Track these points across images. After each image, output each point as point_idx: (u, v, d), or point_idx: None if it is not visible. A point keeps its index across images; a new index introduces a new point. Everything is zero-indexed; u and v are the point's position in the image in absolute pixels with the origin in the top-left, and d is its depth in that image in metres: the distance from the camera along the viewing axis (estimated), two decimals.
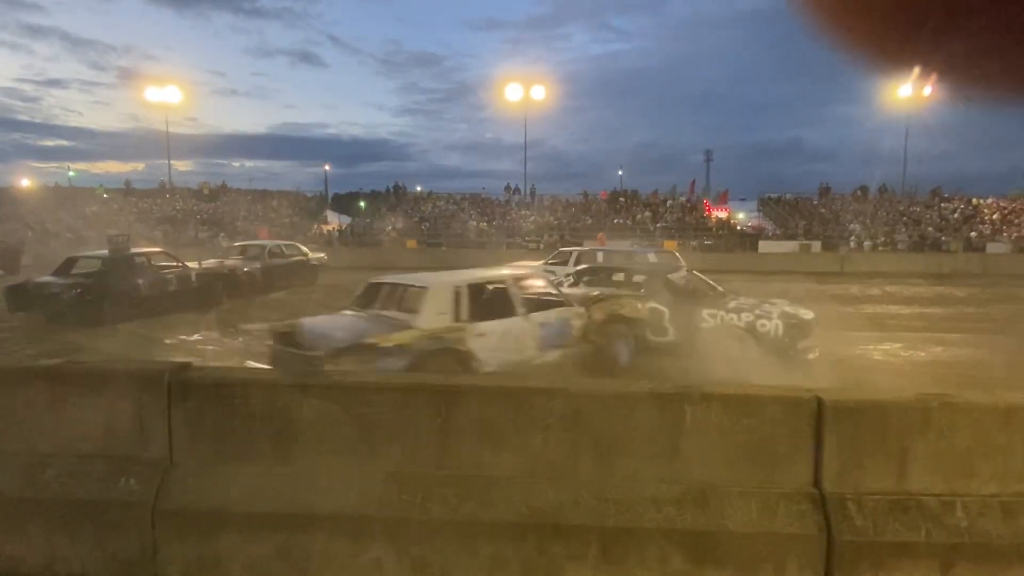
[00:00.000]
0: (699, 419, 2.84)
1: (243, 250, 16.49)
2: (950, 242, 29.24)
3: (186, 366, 3.21)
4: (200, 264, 13.46)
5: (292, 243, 18.38)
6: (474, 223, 34.35)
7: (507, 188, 40.11)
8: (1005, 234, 30.48)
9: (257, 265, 14.91)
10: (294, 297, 14.17)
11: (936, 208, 34.37)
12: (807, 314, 7.33)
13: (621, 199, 37.71)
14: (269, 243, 17.32)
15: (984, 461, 2.85)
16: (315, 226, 34.99)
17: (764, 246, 29.97)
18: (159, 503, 2.91)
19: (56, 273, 11.14)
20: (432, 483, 2.84)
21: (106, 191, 39.69)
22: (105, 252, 11.75)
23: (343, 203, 42.59)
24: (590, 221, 34.03)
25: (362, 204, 40.55)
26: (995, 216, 33.19)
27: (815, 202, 36.38)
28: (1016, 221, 32.22)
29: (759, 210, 37.01)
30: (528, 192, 39.22)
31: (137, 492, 2.93)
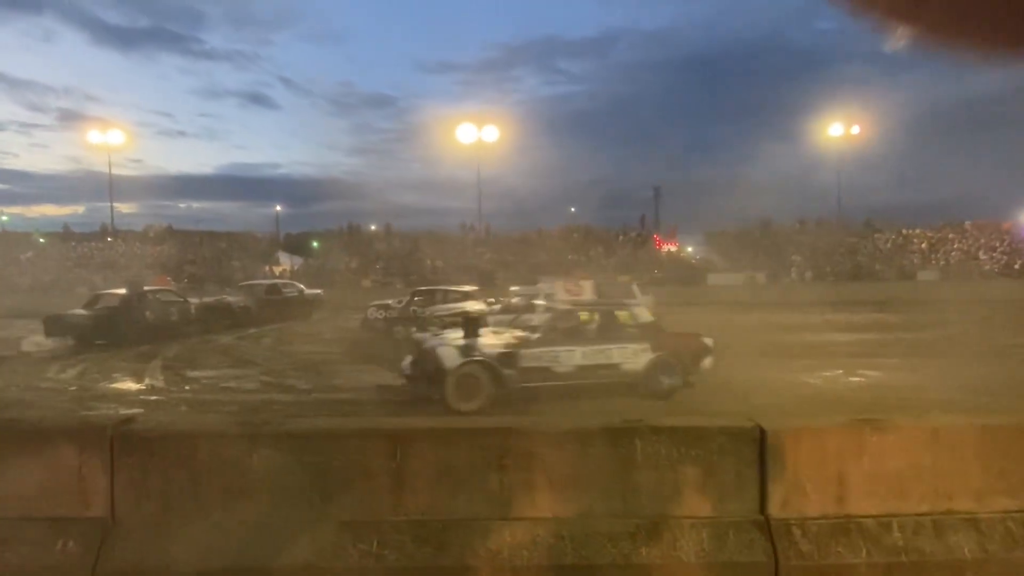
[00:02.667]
0: (649, 452, 2.92)
1: (248, 288, 19.23)
2: (883, 270, 30.90)
3: (130, 419, 3.11)
4: (201, 300, 16.42)
5: (290, 281, 21.97)
6: (429, 261, 34.34)
7: (462, 225, 40.44)
8: (933, 262, 32.42)
9: (252, 300, 17.52)
10: (244, 342, 14.02)
11: (870, 239, 36.36)
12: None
13: (574, 235, 38.47)
14: (268, 281, 21.22)
15: (915, 482, 3.02)
16: (266, 268, 34.23)
17: (713, 278, 30.97)
18: (99, 566, 2.78)
19: (85, 306, 14.35)
20: (388, 529, 2.81)
21: (42, 235, 38.05)
22: (123, 290, 14.93)
23: (296, 242, 41.94)
24: (545, 257, 34.51)
25: (315, 243, 40.04)
26: (924, 245, 35.32)
27: (757, 235, 37.98)
28: (943, 249, 34.37)
29: (706, 243, 38.34)
30: (483, 229, 39.60)
31: (76, 555, 2.80)
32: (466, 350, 7.09)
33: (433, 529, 2.80)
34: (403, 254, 35.84)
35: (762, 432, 2.98)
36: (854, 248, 35.08)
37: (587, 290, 8.84)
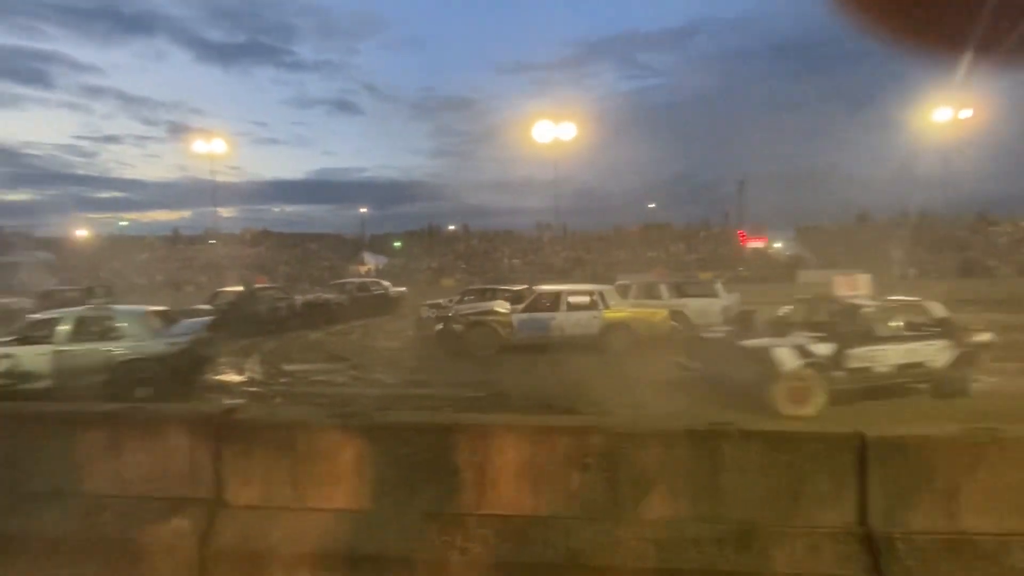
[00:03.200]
0: (738, 457, 2.82)
1: (341, 286, 21.14)
2: (999, 266, 28.16)
3: (234, 409, 3.34)
4: (304, 297, 18.22)
5: (377, 280, 23.75)
6: (507, 260, 34.65)
7: (538, 224, 40.53)
8: None
9: (345, 297, 19.15)
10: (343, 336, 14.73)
11: (983, 232, 33.24)
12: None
13: (653, 232, 37.63)
14: (357, 280, 23.38)
15: None
16: (352, 267, 35.76)
17: (804, 276, 29.37)
18: (208, 544, 3.01)
19: (207, 302, 16.24)
20: (471, 523, 2.87)
21: (155, 239, 41.58)
22: (238, 288, 17.18)
23: (379, 243, 43.56)
24: (623, 255, 33.97)
25: (397, 244, 41.41)
26: None
27: (854, 229, 35.64)
28: None
29: (796, 239, 36.43)
30: (560, 228, 39.52)
31: (187, 533, 3.04)
32: (802, 351, 6.82)
33: (516, 525, 2.83)
34: (481, 253, 36.37)
35: (862, 439, 2.80)
36: (965, 242, 32.19)
37: (863, 285, 8.50)
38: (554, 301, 11.63)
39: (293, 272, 33.09)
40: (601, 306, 11.52)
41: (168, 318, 8.95)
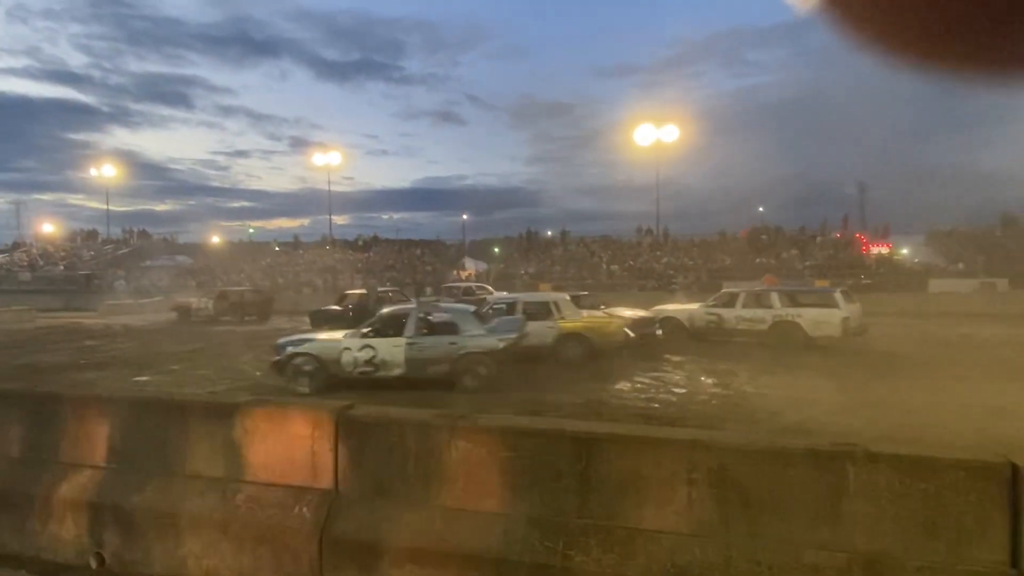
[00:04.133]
0: (864, 481, 2.60)
1: (448, 289, 23.32)
2: None
3: (350, 406, 3.55)
4: (418, 299, 19.04)
5: (482, 284, 25.43)
6: (605, 266, 34.26)
7: (638, 229, 39.70)
8: None
9: (454, 301, 20.77)
10: None
11: None
12: None
13: (763, 236, 35.72)
14: (464, 284, 25.73)
15: None
16: (454, 272, 36.87)
17: (936, 285, 26.66)
18: (326, 531, 3.21)
19: (336, 303, 19.21)
20: (573, 531, 2.86)
21: (278, 245, 45.09)
22: (362, 290, 20.22)
23: (479, 249, 44.60)
24: (728, 261, 32.52)
25: (496, 249, 42.19)
26: None
27: (998, 233, 31.87)
28: None
29: (927, 244, 33.16)
30: (661, 232, 38.50)
31: (308, 519, 3.26)
32: None
33: (619, 537, 2.79)
34: (579, 259, 36.20)
35: (1015, 470, 2.49)
36: None
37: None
38: (507, 311, 11.14)
39: (399, 276, 34.61)
40: (556, 316, 11.07)
41: (480, 316, 9.86)
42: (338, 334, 9.27)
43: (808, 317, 12.18)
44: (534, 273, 33.92)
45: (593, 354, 10.77)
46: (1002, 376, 8.98)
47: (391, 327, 9.00)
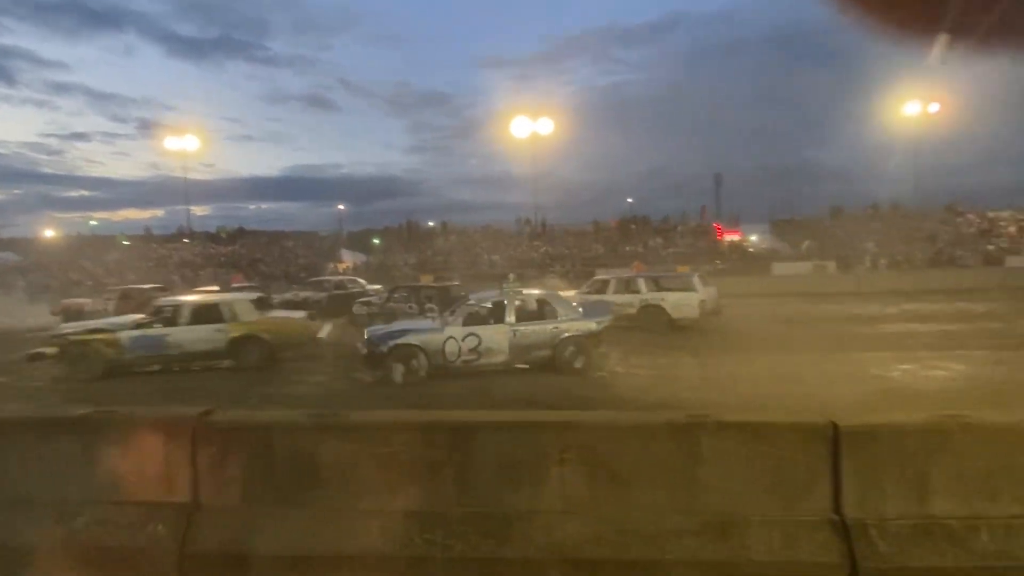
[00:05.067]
0: (716, 448, 2.86)
1: (317, 284, 21.19)
2: (967, 256, 28.89)
3: (209, 411, 3.29)
4: (281, 295, 18.71)
5: (354, 278, 23.67)
6: (486, 256, 34.62)
7: (518, 219, 40.53)
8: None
9: (324, 295, 19.55)
10: None
11: (952, 223, 34.07)
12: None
13: (632, 226, 37.88)
14: (335, 278, 23.54)
15: (1006, 482, 2.82)
16: (330, 265, 35.41)
17: (778, 268, 29.82)
18: (186, 548, 2.96)
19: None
20: (453, 521, 2.87)
21: (127, 238, 40.71)
22: (215, 288, 18.01)
23: (358, 240, 43.19)
24: (601, 249, 34.16)
25: (375, 240, 41.09)
26: (1012, 229, 32.79)
27: (827, 223, 36.27)
28: None
29: (772, 232, 36.94)
30: (539, 223, 39.56)
31: (165, 538, 2.99)
32: None
33: (497, 521, 2.84)
34: (461, 249, 36.27)
35: (836, 429, 2.85)
36: (933, 234, 32.95)
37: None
38: (173, 314, 10.38)
39: (269, 271, 32.64)
40: (228, 318, 10.36)
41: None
42: (433, 323, 9.39)
43: (671, 301, 13.16)
44: (415, 264, 33.49)
45: (273, 356, 10.41)
46: (829, 347, 10.27)
47: (491, 314, 9.04)
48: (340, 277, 24.82)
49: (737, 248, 34.82)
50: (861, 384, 7.42)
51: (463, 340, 8.64)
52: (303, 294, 19.38)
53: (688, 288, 13.34)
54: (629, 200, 50.16)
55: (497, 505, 2.91)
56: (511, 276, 19.46)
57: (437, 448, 2.92)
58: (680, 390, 7.47)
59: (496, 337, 8.75)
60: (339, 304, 19.21)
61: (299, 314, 12.32)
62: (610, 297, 13.55)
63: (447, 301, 13.76)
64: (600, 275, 16.80)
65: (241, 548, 2.95)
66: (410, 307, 14.52)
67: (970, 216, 34.66)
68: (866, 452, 2.85)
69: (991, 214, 34.65)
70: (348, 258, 39.11)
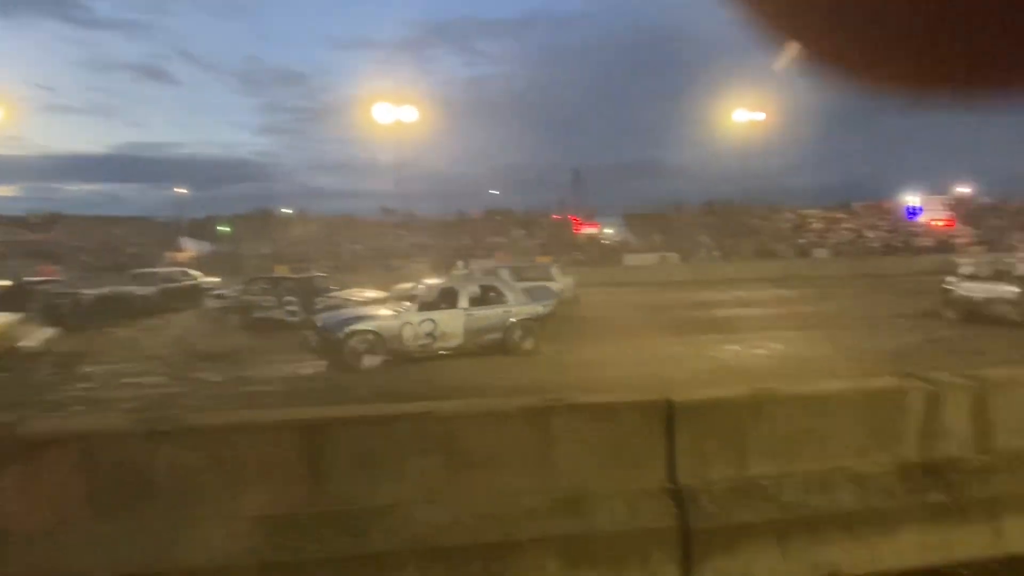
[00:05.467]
0: (566, 429, 3.02)
1: (142, 277, 18.34)
2: (783, 249, 33.05)
3: (12, 423, 2.86)
4: (98, 290, 15.55)
5: (185, 270, 21.07)
6: (348, 245, 33.42)
7: (382, 209, 39.60)
8: (827, 240, 35.02)
9: (153, 290, 16.83)
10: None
11: (771, 219, 38.74)
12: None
13: (497, 218, 38.61)
14: (164, 270, 20.60)
15: (805, 444, 3.29)
16: (169, 255, 32.06)
17: (629, 259, 32.02)
18: None
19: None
20: (306, 521, 2.75)
21: None
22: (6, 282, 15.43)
23: (202, 228, 39.49)
24: (467, 240, 34.45)
25: (224, 228, 37.92)
26: (818, 225, 38.04)
27: (671, 216, 39.58)
28: (835, 228, 37.18)
29: (624, 225, 39.56)
30: (406, 213, 38.95)
31: None
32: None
33: (354, 518, 2.77)
34: (321, 238, 34.66)
35: (670, 405, 3.14)
36: (757, 228, 37.27)
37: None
38: None
39: (92, 261, 28.87)
40: None
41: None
42: (388, 310, 9.38)
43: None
44: (269, 254, 31.43)
45: None
46: (670, 331, 11.25)
47: (444, 300, 9.26)
48: (170, 269, 21.57)
49: (593, 240, 36.84)
50: (697, 363, 8.23)
51: (419, 325, 8.81)
52: (125, 289, 16.60)
53: (547, 278, 13.89)
54: (494, 192, 51.04)
55: (354, 502, 2.84)
56: (459, 263, 18.59)
57: (286, 448, 2.79)
58: (541, 374, 7.78)
59: (451, 322, 9.01)
60: (172, 299, 17.13)
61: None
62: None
63: (310, 293, 13.04)
64: (460, 265, 16.95)
65: (60, 574, 2.60)
66: (268, 300, 13.46)
67: (787, 214, 39.67)
68: (696, 424, 3.17)
69: (802, 212, 39.92)
70: (191, 247, 35.71)
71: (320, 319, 9.37)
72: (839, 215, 39.44)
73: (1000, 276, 10.89)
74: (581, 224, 38.63)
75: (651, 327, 12.09)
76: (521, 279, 13.90)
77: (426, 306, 9.15)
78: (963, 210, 40.66)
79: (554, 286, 13.56)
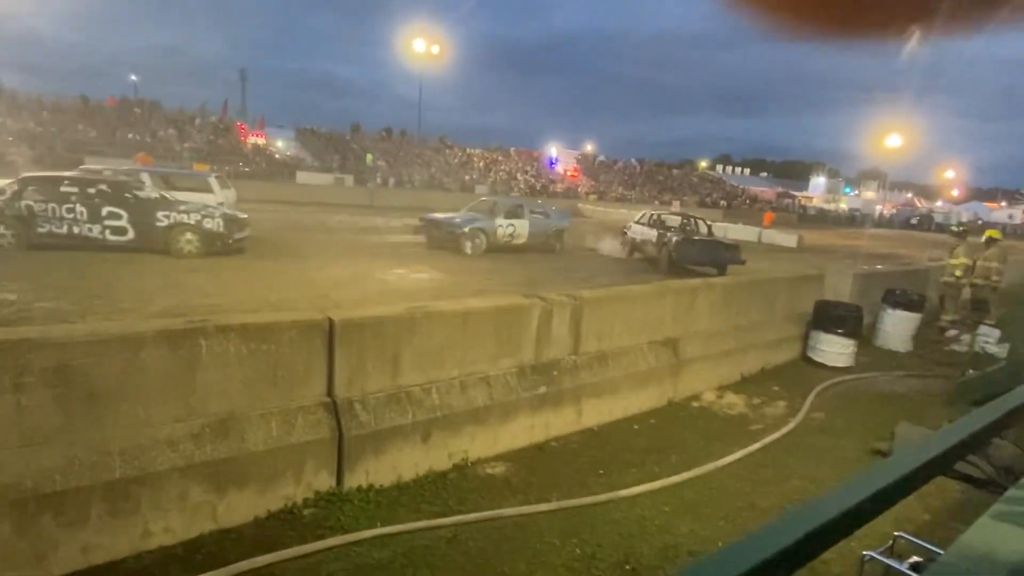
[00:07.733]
0: (217, 352, 2.82)
1: None
2: (451, 183, 35.65)
3: None
4: None
5: None
6: None
7: None
8: (489, 178, 39.00)
9: None
10: None
11: (443, 153, 41.17)
12: (242, 215, 10.89)
13: (136, 110, 31.97)
14: None
15: (450, 354, 3.75)
16: None
17: (302, 177, 30.41)
18: None
19: None
20: None
21: None
22: None
23: None
24: (93, 133, 27.81)
25: None
26: (481, 164, 41.98)
27: (348, 138, 38.66)
28: (495, 168, 41.56)
29: (297, 140, 37.09)
30: None
31: None
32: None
33: None
34: None
35: (331, 323, 3.19)
36: (430, 161, 39.25)
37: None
38: None
39: None
40: None
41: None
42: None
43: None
44: None
45: None
46: (343, 255, 11.25)
47: (515, 213, 14.03)
48: None
49: (262, 152, 33.71)
50: (364, 286, 8.46)
51: (506, 228, 13.49)
52: None
53: (204, 189, 12.27)
54: (133, 78, 41.86)
55: None
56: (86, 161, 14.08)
57: None
58: (190, 297, 6.98)
59: (523, 227, 13.83)
60: None
61: None
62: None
63: None
64: (90, 164, 13.76)
65: None
66: None
67: (455, 150, 42.61)
68: (355, 341, 3.31)
69: (469, 150, 43.41)
70: None
71: (443, 220, 13.24)
72: (499, 157, 44.15)
73: (652, 223, 14.27)
74: (249, 132, 34.82)
75: (321, 249, 11.86)
76: (171, 188, 11.99)
77: (510, 214, 13.76)
78: (586, 165, 49.86)
79: (211, 199, 12.05)
